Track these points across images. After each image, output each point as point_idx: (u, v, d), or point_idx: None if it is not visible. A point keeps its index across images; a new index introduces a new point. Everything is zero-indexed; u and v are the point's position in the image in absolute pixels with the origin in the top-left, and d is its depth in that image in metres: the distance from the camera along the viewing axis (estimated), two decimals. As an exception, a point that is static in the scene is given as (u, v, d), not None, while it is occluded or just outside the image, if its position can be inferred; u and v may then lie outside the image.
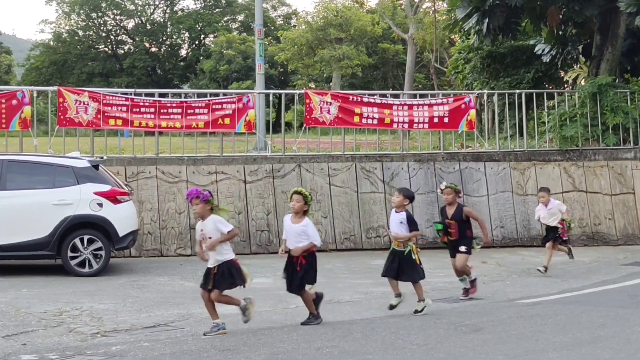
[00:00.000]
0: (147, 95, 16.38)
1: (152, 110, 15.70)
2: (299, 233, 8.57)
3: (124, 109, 15.59)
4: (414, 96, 20.04)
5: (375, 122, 16.75)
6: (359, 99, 16.83)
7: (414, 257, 9.21)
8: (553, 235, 13.08)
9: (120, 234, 12.50)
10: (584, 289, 11.37)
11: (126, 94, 16.39)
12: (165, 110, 15.77)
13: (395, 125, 17.01)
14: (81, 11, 63.45)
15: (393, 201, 9.49)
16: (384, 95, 17.68)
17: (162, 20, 66.41)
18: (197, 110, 15.94)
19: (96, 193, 12.42)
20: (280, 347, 7.49)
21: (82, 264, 12.28)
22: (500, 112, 21.02)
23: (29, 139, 15.74)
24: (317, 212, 15.88)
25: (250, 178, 15.85)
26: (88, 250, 12.28)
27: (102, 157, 14.47)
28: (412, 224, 9.27)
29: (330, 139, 17.55)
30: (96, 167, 12.79)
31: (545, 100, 18.87)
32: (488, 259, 14.51)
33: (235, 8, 66.90)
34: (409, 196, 9.49)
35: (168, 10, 66.78)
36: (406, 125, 17.11)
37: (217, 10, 66.81)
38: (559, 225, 13.00)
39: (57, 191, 12.35)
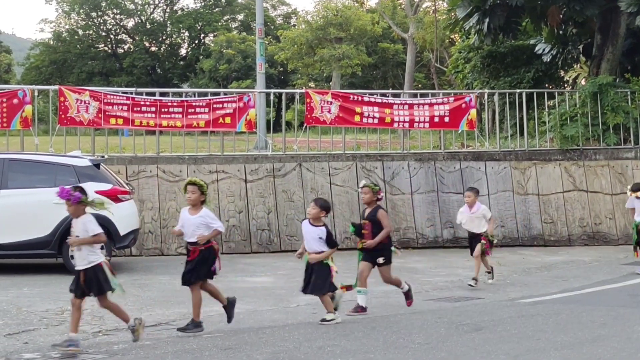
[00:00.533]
0: (148, 94, 16.39)
1: (153, 109, 15.72)
2: (197, 225, 8.20)
3: (125, 108, 15.60)
4: (415, 95, 20.05)
5: (375, 121, 16.76)
6: (360, 98, 16.84)
7: (329, 265, 8.65)
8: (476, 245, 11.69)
9: (122, 233, 12.52)
10: (584, 289, 11.37)
11: (127, 93, 16.41)
12: (166, 110, 15.78)
13: (395, 125, 17.03)
14: (81, 10, 63.45)
15: (309, 213, 8.84)
16: (384, 95, 17.69)
17: (161, 19, 66.40)
18: (197, 110, 15.96)
19: (97, 192, 12.37)
20: (282, 346, 7.50)
21: (83, 263, 12.26)
22: (501, 111, 21.05)
23: (30, 138, 15.75)
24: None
25: (251, 177, 15.86)
26: (89, 249, 12.26)
27: (103, 156, 14.47)
28: (330, 242, 8.72)
29: (330, 138, 17.56)
30: (97, 166, 12.80)
31: (546, 100, 18.90)
32: (488, 258, 14.50)
33: (235, 7, 66.92)
34: (326, 207, 8.84)
35: (168, 10, 66.79)
36: (407, 125, 17.12)
37: (216, 9, 66.82)
38: (483, 241, 11.59)
39: (59, 190, 12.34)
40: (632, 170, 17.47)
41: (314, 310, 9.54)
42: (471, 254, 11.92)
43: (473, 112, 17.17)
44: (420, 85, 49.78)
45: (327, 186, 16.15)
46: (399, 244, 16.09)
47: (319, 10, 45.64)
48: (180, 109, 15.86)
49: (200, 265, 8.24)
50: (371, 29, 45.73)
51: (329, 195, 16.10)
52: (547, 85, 23.20)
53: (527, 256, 15.00)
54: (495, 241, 12.30)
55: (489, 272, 11.93)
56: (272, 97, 21.89)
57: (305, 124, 16.74)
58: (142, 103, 15.77)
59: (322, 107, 16.46)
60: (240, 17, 67.46)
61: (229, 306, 8.43)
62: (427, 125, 17.02)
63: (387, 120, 16.76)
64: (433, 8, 39.12)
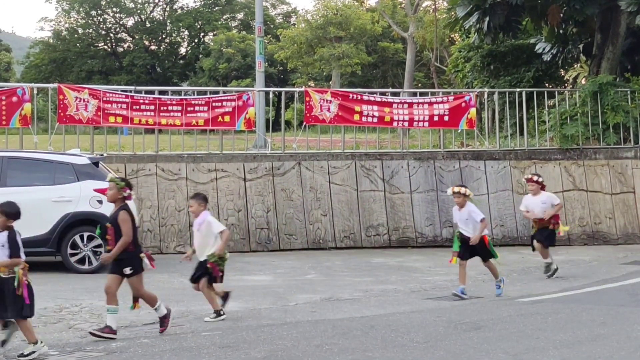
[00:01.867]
0: (147, 92, 16.37)
1: (152, 107, 15.69)
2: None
3: (124, 106, 15.57)
4: (414, 94, 20.03)
5: (375, 120, 16.74)
6: (359, 97, 16.81)
7: (17, 286, 7.15)
8: (200, 274, 9.00)
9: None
10: (584, 288, 11.36)
11: (126, 91, 16.39)
12: (165, 108, 15.76)
13: (395, 124, 17.00)
14: (81, 9, 63.40)
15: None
16: (383, 94, 17.66)
17: (161, 18, 66.38)
18: (197, 108, 15.93)
19: (96, 190, 12.39)
20: (280, 344, 7.48)
21: (81, 261, 12.28)
22: (501, 110, 21.02)
23: (29, 136, 15.72)
24: (317, 210, 15.88)
25: (250, 176, 15.84)
26: (88, 247, 12.27)
27: (102, 154, 14.45)
28: (13, 247, 7.19)
29: (330, 137, 17.53)
30: (96, 164, 12.79)
31: (546, 99, 18.88)
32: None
33: (234, 6, 66.85)
34: (11, 213, 7.35)
35: (167, 8, 66.76)
36: (406, 124, 17.10)
37: (216, 8, 66.75)
38: (209, 267, 8.91)
39: (57, 188, 12.35)
40: (631, 170, 17.44)
41: (313, 309, 9.54)
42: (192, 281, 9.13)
43: (473, 111, 17.14)
44: (420, 85, 49.76)
45: (326, 185, 16.13)
46: (398, 242, 16.11)
47: (318, 9, 45.62)
48: (179, 108, 15.84)
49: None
50: (371, 28, 45.70)
51: (327, 194, 16.08)
52: (547, 84, 23.17)
53: (526, 255, 14.95)
54: (221, 269, 8.97)
55: (217, 312, 8.94)
56: (271, 95, 21.91)
57: (304, 123, 16.72)
58: (141, 101, 15.74)
59: (321, 105, 16.44)
60: (240, 15, 67.41)
61: None
62: (426, 124, 16.99)
63: (386, 119, 16.73)
64: (433, 7, 39.08)
